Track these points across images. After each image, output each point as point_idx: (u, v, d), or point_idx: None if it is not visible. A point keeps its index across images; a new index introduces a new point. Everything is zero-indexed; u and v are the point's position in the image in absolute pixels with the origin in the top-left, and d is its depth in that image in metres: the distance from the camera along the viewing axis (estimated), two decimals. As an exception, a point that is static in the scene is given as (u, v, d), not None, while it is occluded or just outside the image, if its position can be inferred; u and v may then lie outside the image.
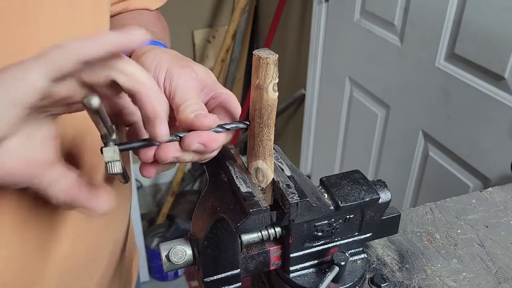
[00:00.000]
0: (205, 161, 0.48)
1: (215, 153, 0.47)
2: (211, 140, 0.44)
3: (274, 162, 0.50)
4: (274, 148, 0.50)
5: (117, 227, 0.70)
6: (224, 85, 2.51)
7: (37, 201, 0.52)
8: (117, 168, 0.39)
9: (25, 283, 0.55)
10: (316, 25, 1.87)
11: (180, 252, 0.49)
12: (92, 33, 0.54)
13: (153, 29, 0.67)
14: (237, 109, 0.49)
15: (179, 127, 0.45)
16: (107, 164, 0.39)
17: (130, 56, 0.57)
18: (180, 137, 0.44)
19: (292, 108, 2.26)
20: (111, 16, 0.68)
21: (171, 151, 0.44)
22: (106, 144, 0.39)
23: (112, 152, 0.39)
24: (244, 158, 0.51)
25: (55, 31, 0.50)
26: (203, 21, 2.47)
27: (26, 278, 0.54)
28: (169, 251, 0.49)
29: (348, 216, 0.52)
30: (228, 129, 0.46)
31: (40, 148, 0.39)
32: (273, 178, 0.49)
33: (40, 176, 0.39)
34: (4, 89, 0.34)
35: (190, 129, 0.44)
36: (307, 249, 0.53)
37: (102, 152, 0.39)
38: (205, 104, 0.50)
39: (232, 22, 2.19)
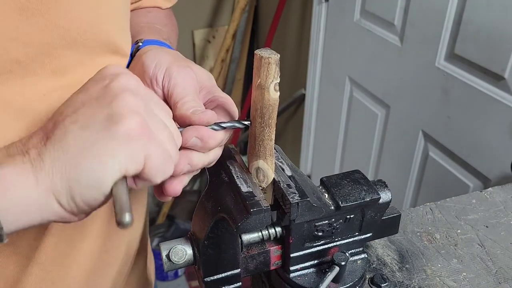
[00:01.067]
0: (210, 165, 0.48)
1: (217, 154, 0.47)
2: (209, 136, 0.44)
3: (275, 162, 0.50)
4: (274, 148, 0.50)
5: (132, 230, 0.70)
6: (224, 85, 2.51)
7: None
8: (128, 226, 0.39)
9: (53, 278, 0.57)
10: (316, 25, 1.87)
11: (181, 251, 0.49)
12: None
13: (161, 28, 0.67)
14: (235, 111, 0.49)
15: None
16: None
17: (133, 56, 0.57)
18: None
19: (292, 108, 2.26)
20: None
21: (182, 165, 0.44)
22: None
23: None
24: (244, 158, 0.51)
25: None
26: (203, 21, 2.47)
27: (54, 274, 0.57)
28: (169, 251, 0.49)
29: (348, 216, 0.52)
30: (225, 128, 0.46)
31: None
32: (273, 178, 0.49)
33: None
34: (120, 159, 0.36)
35: (187, 125, 0.44)
36: (307, 249, 0.53)
37: None
38: (204, 106, 0.50)
39: (232, 22, 2.19)
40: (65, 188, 0.36)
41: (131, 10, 0.71)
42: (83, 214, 0.39)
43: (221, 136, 0.46)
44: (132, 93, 0.38)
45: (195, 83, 0.49)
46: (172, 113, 0.46)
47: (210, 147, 0.45)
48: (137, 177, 0.39)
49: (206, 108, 0.49)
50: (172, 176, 0.43)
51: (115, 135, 0.36)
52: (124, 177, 0.38)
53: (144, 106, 0.38)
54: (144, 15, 0.70)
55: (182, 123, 0.45)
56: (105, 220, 0.61)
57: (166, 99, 0.49)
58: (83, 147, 0.36)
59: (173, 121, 0.42)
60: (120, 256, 0.67)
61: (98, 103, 0.37)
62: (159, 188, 0.45)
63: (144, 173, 0.38)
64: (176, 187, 0.44)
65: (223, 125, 0.46)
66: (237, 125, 0.47)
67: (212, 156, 0.46)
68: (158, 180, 0.39)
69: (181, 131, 0.44)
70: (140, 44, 0.58)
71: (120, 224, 0.36)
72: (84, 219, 0.41)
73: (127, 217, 0.35)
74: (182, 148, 0.44)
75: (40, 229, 0.54)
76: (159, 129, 0.39)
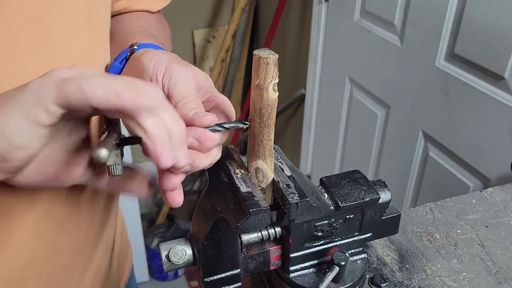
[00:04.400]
0: (209, 166, 0.47)
1: (217, 156, 0.47)
2: (206, 137, 0.44)
3: (274, 162, 0.50)
4: (274, 148, 0.50)
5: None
6: (224, 85, 2.51)
7: (55, 200, 0.54)
8: (118, 170, 0.40)
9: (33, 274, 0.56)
10: (316, 25, 1.87)
11: (180, 252, 0.49)
12: (87, 38, 0.54)
13: (154, 32, 0.67)
14: (231, 112, 0.49)
15: None
16: (110, 167, 0.40)
17: (128, 59, 0.57)
18: None
19: (292, 108, 2.26)
20: (112, 16, 0.68)
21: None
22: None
23: (114, 156, 0.40)
24: (244, 158, 0.51)
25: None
26: (203, 21, 2.47)
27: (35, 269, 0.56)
28: (169, 251, 0.49)
29: (348, 216, 0.52)
30: (226, 128, 0.46)
31: (72, 152, 0.42)
32: (273, 178, 0.49)
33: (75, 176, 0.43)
34: (24, 111, 0.37)
35: (187, 126, 0.44)
36: (307, 249, 0.53)
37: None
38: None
39: (232, 22, 2.19)
40: None
41: (120, 11, 0.71)
42: (9, 168, 0.39)
43: (219, 137, 0.46)
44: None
45: (195, 83, 0.49)
46: None
47: (208, 148, 0.45)
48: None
49: (204, 108, 0.49)
50: (172, 173, 0.43)
51: (20, 91, 0.37)
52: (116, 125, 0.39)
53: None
54: (136, 20, 0.70)
55: None
56: (86, 206, 0.61)
57: (166, 98, 0.49)
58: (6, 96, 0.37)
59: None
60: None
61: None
62: (162, 188, 0.45)
63: (97, 99, 0.36)
64: (173, 181, 0.44)
65: (223, 125, 0.46)
66: (238, 125, 0.47)
67: (212, 158, 0.46)
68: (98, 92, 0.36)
69: None
70: (135, 47, 0.57)
71: (93, 160, 0.36)
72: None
73: (102, 152, 0.35)
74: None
75: None
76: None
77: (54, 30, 0.49)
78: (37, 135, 0.38)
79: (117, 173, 0.40)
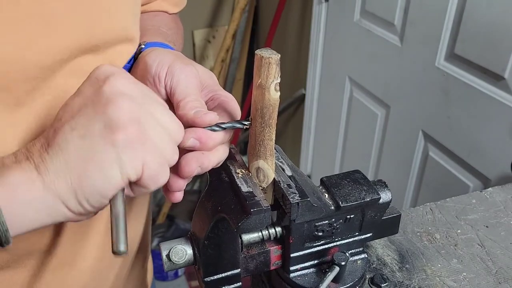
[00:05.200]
0: (218, 165, 0.48)
1: (224, 154, 0.47)
2: (207, 137, 0.44)
3: (275, 162, 0.50)
4: (275, 148, 0.50)
5: (132, 230, 0.71)
6: (224, 85, 2.51)
7: None
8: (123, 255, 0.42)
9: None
10: (316, 25, 1.87)
11: (181, 251, 0.49)
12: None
13: (166, 31, 0.67)
14: (236, 110, 0.49)
15: None
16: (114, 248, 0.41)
17: (136, 58, 0.57)
18: None
19: (292, 108, 2.26)
20: None
21: (194, 163, 0.44)
22: None
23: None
24: (244, 158, 0.51)
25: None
26: (203, 21, 2.47)
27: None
28: (169, 251, 0.49)
29: (348, 216, 0.52)
30: (225, 128, 0.46)
31: None
32: (274, 178, 0.49)
33: None
34: (121, 165, 0.38)
35: (189, 125, 0.44)
36: (307, 249, 0.53)
37: None
38: (206, 104, 0.50)
39: (232, 22, 2.19)
40: (71, 194, 0.37)
41: None
42: (91, 214, 0.41)
43: (221, 136, 0.46)
44: (126, 97, 0.38)
45: (197, 81, 0.49)
46: (174, 112, 0.46)
47: (209, 147, 0.45)
48: (134, 184, 0.40)
49: (208, 107, 0.49)
50: (180, 177, 0.45)
51: (114, 143, 0.37)
52: (122, 189, 0.39)
53: (139, 108, 0.39)
54: (151, 19, 0.71)
55: (184, 122, 0.44)
56: (107, 221, 0.62)
57: (169, 97, 0.49)
58: (84, 156, 0.37)
59: (171, 113, 0.42)
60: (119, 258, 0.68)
61: (93, 109, 0.38)
62: (165, 186, 0.46)
63: (142, 179, 0.39)
64: (181, 184, 0.45)
65: (222, 125, 0.45)
66: (237, 125, 0.46)
67: (219, 156, 0.47)
68: (154, 186, 0.40)
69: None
70: (143, 46, 0.58)
71: (115, 253, 0.38)
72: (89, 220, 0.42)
73: (122, 248, 0.38)
74: (188, 150, 0.44)
75: (50, 236, 0.55)
76: (155, 133, 0.39)
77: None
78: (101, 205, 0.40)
79: (122, 251, 0.41)
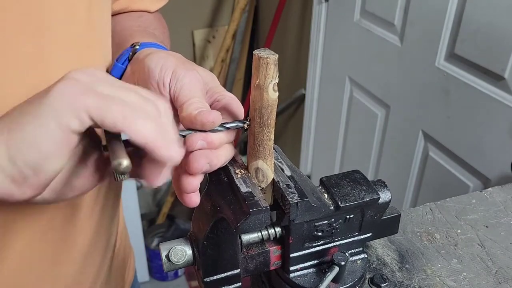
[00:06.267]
0: (226, 163, 0.48)
1: (231, 153, 0.48)
2: (212, 136, 0.45)
3: (274, 162, 0.50)
4: (274, 148, 0.50)
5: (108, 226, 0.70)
6: (224, 85, 2.51)
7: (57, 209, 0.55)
8: (124, 176, 0.40)
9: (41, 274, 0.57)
10: (316, 25, 1.87)
11: (180, 252, 0.49)
12: (87, 35, 0.54)
13: (154, 32, 0.67)
14: (240, 111, 0.49)
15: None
16: (117, 175, 0.40)
17: (130, 60, 0.57)
18: (183, 136, 0.44)
19: (292, 108, 2.26)
20: (112, 15, 0.68)
21: (203, 160, 0.44)
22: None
23: None
24: (244, 158, 0.51)
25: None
26: (203, 21, 2.47)
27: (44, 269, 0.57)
28: (169, 251, 0.49)
29: (348, 216, 0.52)
30: (228, 128, 0.46)
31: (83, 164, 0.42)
32: (273, 178, 0.49)
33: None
34: (56, 116, 0.36)
35: (193, 126, 0.44)
36: (307, 249, 0.53)
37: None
38: (210, 107, 0.50)
39: (232, 22, 2.19)
40: (3, 150, 0.36)
41: (118, 11, 0.71)
42: (32, 186, 0.38)
43: (226, 136, 0.46)
44: (73, 78, 0.38)
45: (201, 85, 0.49)
46: (178, 115, 0.46)
47: (216, 146, 0.45)
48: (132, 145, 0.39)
49: (212, 108, 0.49)
50: (191, 175, 0.44)
51: (49, 93, 0.36)
52: (118, 135, 0.38)
53: (87, 80, 0.38)
54: (135, 19, 0.70)
55: (189, 124, 0.44)
56: (88, 213, 0.61)
57: (172, 102, 0.49)
58: (22, 113, 0.37)
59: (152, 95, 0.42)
60: (102, 256, 0.68)
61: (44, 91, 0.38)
62: (180, 190, 0.45)
63: (105, 124, 0.37)
64: (194, 183, 0.45)
65: (226, 125, 0.46)
66: (240, 124, 0.47)
67: (227, 153, 0.47)
68: (126, 127, 0.37)
69: (187, 136, 0.44)
70: (137, 47, 0.57)
71: (116, 170, 0.36)
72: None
73: (125, 162, 0.36)
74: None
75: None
76: (99, 84, 0.38)
77: (52, 31, 0.49)
78: (68, 143, 0.37)
79: (123, 178, 0.40)
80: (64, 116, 0.36)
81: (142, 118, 0.38)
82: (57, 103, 0.36)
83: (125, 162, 0.36)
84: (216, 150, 0.45)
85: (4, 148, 0.36)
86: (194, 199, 0.46)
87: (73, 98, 0.36)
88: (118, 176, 0.39)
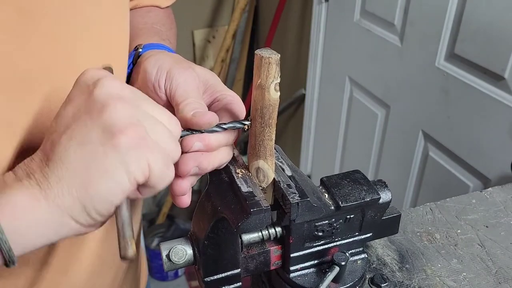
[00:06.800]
0: (221, 167, 0.48)
1: (227, 156, 0.47)
2: (209, 138, 0.44)
3: (275, 162, 0.50)
4: (275, 148, 0.50)
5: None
6: (224, 85, 2.51)
7: None
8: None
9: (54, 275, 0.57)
10: (316, 25, 1.87)
11: (181, 251, 0.49)
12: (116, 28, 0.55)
13: (160, 28, 0.67)
14: (241, 111, 0.49)
15: None
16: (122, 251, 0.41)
17: (135, 63, 0.57)
18: (180, 137, 0.44)
19: (292, 108, 2.26)
20: None
21: (191, 163, 0.44)
22: None
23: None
24: (244, 158, 0.51)
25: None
26: (203, 21, 2.47)
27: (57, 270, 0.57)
28: (169, 251, 0.49)
29: (348, 216, 0.52)
30: (225, 129, 0.45)
31: None
32: (274, 178, 0.49)
33: None
34: (127, 169, 0.37)
35: (189, 127, 0.44)
36: (307, 249, 0.53)
37: None
38: (210, 106, 0.49)
39: (232, 22, 2.19)
40: (78, 206, 0.36)
41: (130, 9, 0.71)
42: (100, 224, 0.40)
43: (224, 137, 0.46)
44: (119, 99, 0.37)
45: (197, 84, 0.49)
46: (175, 115, 0.46)
47: (213, 148, 0.45)
48: (142, 185, 0.39)
49: (213, 108, 0.49)
50: (180, 178, 0.44)
51: (116, 147, 0.36)
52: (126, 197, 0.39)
53: (135, 108, 0.38)
54: (143, 16, 0.70)
55: (184, 125, 0.44)
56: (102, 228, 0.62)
57: (169, 102, 0.49)
58: (86, 165, 0.36)
59: (165, 110, 0.41)
60: (116, 261, 0.68)
61: (88, 116, 0.37)
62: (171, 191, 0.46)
63: (150, 179, 0.38)
64: (183, 186, 0.45)
65: (223, 126, 0.45)
66: (237, 125, 0.46)
67: (221, 157, 0.46)
68: (162, 184, 0.39)
69: (183, 138, 0.44)
70: (140, 50, 0.57)
71: (124, 258, 0.38)
72: None
73: (130, 253, 0.39)
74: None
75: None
76: (156, 131, 0.38)
77: (84, 36, 0.49)
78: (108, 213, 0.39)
79: (130, 257, 0.41)
80: (135, 170, 0.37)
81: (169, 171, 0.40)
82: (127, 157, 0.36)
83: (130, 252, 0.39)
84: (208, 154, 0.45)
85: (79, 205, 0.36)
86: (184, 200, 0.46)
87: (140, 150, 0.37)
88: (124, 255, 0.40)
